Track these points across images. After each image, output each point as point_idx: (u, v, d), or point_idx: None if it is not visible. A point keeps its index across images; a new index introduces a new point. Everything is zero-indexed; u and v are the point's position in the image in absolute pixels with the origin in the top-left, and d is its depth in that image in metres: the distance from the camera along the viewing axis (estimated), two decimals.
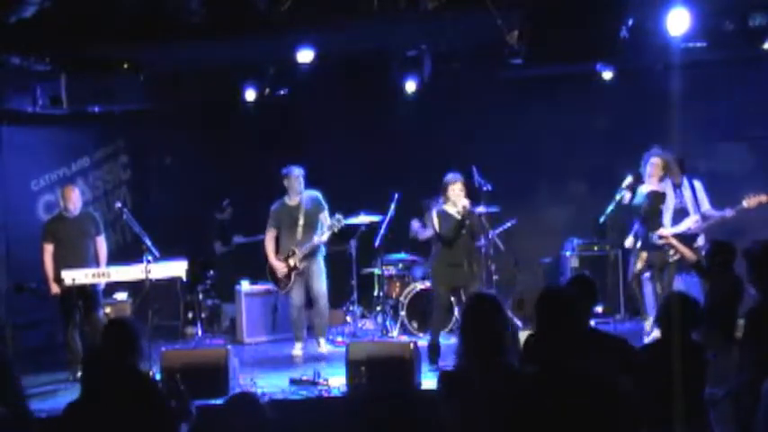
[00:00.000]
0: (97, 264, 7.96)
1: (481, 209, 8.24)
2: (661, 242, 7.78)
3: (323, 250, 8.37)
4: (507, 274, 9.51)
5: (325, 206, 8.32)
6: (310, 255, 8.22)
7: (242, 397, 4.16)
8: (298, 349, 8.30)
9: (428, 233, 9.54)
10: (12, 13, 6.47)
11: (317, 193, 8.36)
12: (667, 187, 8.31)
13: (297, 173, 8.28)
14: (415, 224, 9.76)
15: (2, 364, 4.35)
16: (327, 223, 8.22)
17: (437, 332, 7.56)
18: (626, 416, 3.27)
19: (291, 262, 8.23)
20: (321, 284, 8.25)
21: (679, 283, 7.99)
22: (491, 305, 3.86)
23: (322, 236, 8.22)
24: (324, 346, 8.31)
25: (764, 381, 3.93)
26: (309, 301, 8.42)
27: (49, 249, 7.83)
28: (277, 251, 8.38)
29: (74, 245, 7.86)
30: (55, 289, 7.74)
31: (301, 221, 8.25)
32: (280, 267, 8.25)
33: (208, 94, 9.93)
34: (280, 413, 4.11)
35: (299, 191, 8.27)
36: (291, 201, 8.33)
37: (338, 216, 8.24)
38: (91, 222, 8.05)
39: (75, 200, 7.93)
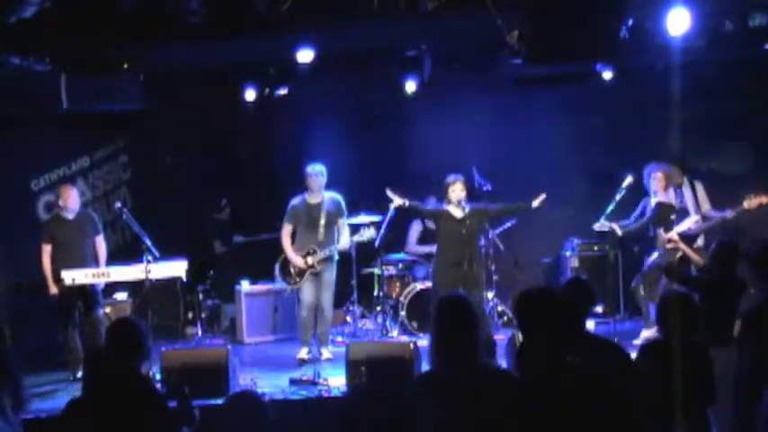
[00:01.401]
0: (96, 264, 7.95)
1: None
2: (670, 246, 7.79)
3: (336, 258, 8.18)
4: (507, 274, 9.52)
5: (345, 212, 8.19)
6: (328, 259, 8.07)
7: (244, 395, 4.17)
8: (304, 353, 8.06)
9: (421, 250, 9.55)
10: (12, 13, 6.47)
11: (339, 197, 8.19)
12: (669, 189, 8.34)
13: (317, 170, 8.06)
14: (413, 235, 9.75)
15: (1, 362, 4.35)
16: (346, 230, 8.14)
17: None
18: (626, 416, 3.27)
19: (310, 260, 8.02)
20: (329, 296, 8.08)
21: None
22: (460, 306, 3.87)
23: (348, 243, 8.14)
24: (327, 354, 8.07)
25: (763, 383, 3.92)
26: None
27: (47, 250, 7.82)
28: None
29: (73, 245, 7.85)
30: (53, 290, 7.74)
31: (323, 221, 8.04)
32: (298, 262, 8.02)
33: (208, 94, 9.94)
34: (280, 413, 4.10)
35: (319, 189, 8.07)
36: (312, 199, 8.13)
37: (371, 229, 8.25)
38: (89, 222, 8.04)
39: (73, 199, 7.92)
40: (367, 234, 8.25)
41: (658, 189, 8.15)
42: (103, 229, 8.28)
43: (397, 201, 7.76)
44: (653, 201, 8.18)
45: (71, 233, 7.88)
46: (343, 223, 8.17)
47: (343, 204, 8.18)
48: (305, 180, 8.12)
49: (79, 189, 8.51)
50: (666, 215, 8.06)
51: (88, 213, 8.24)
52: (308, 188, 8.11)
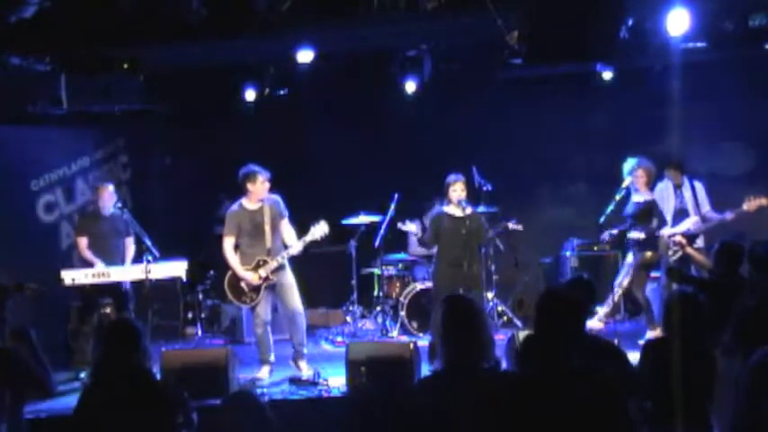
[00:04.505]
0: (123, 263, 8.01)
1: (481, 209, 8.24)
2: (674, 249, 7.79)
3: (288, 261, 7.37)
4: (507, 274, 9.52)
5: (286, 212, 7.39)
6: (280, 267, 7.26)
7: (242, 395, 4.17)
8: (264, 372, 7.31)
9: (422, 251, 9.53)
10: (12, 13, 6.48)
11: (278, 198, 7.42)
12: (668, 188, 8.33)
13: (264, 176, 7.30)
14: (413, 237, 9.73)
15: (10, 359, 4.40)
16: (292, 232, 7.32)
17: None
18: (624, 416, 3.27)
19: (263, 273, 7.22)
20: (296, 299, 7.29)
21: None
22: (468, 308, 3.86)
23: (299, 244, 7.26)
24: (307, 370, 7.22)
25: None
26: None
27: (83, 242, 7.91)
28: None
29: (106, 243, 7.95)
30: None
31: (268, 227, 7.26)
32: (251, 279, 7.22)
33: (208, 94, 9.93)
34: (280, 413, 4.10)
35: (262, 196, 7.31)
36: (251, 204, 7.32)
37: (321, 224, 7.34)
38: (122, 222, 8.08)
39: (107, 198, 8.01)
40: (318, 230, 7.31)
41: (639, 187, 8.11)
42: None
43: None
44: (636, 198, 8.13)
45: (105, 230, 7.99)
46: (286, 224, 7.36)
47: (283, 204, 7.40)
48: (246, 184, 7.29)
49: (79, 189, 8.51)
50: (645, 214, 8.02)
51: (121, 214, 8.19)
52: (250, 193, 7.28)
